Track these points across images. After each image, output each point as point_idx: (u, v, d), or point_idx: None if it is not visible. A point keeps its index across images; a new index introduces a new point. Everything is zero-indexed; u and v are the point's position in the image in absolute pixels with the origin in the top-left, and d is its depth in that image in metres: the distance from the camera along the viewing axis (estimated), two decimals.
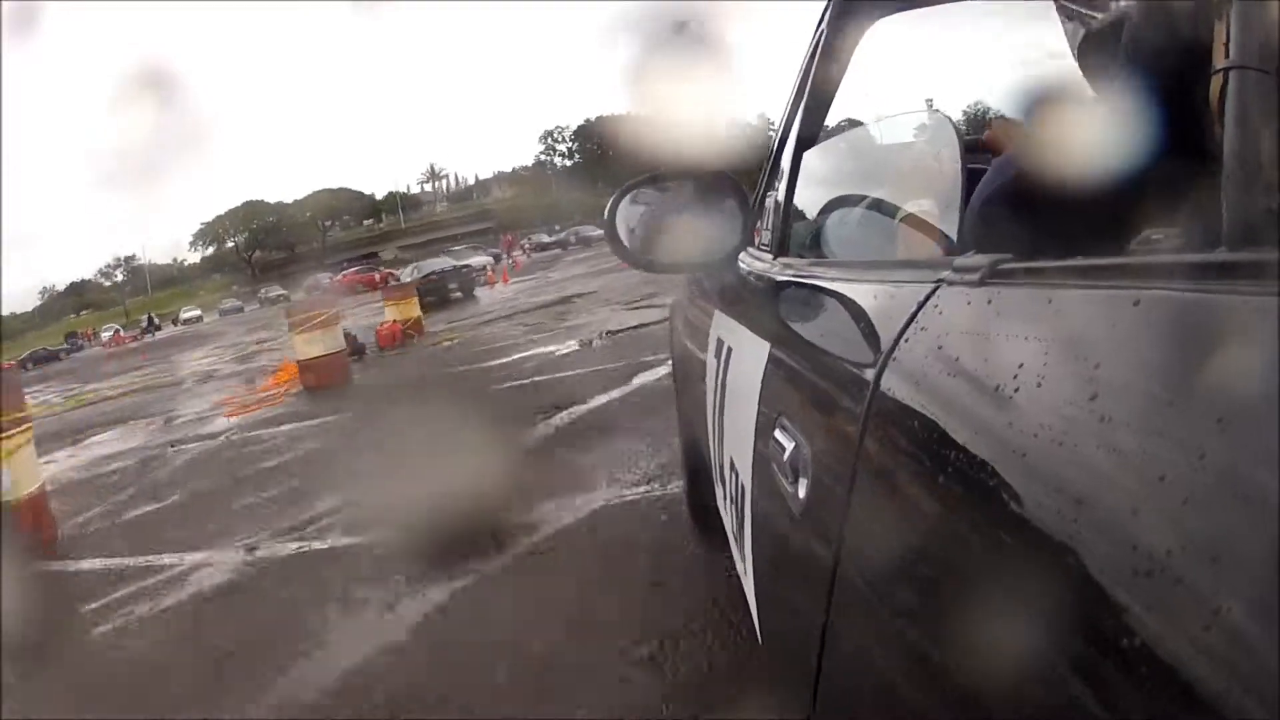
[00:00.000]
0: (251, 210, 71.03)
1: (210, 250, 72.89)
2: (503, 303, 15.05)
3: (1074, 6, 0.86)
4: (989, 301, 0.55)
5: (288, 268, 62.58)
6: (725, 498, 1.32)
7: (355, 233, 70.82)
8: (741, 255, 1.46)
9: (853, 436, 0.65)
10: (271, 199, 72.78)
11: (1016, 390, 0.45)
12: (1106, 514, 0.36)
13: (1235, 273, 0.36)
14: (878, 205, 1.11)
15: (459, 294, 18.63)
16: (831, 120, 1.38)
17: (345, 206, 72.11)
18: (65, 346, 45.72)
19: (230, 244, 71.54)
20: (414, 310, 11.50)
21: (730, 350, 1.30)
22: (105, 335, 45.32)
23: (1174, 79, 0.60)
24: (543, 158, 69.99)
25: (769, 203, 1.47)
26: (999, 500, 0.44)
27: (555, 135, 69.25)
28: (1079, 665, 0.35)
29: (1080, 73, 0.88)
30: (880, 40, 1.38)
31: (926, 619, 0.52)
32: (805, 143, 1.31)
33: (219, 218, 71.92)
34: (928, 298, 0.62)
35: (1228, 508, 0.30)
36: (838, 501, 0.67)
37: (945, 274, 0.62)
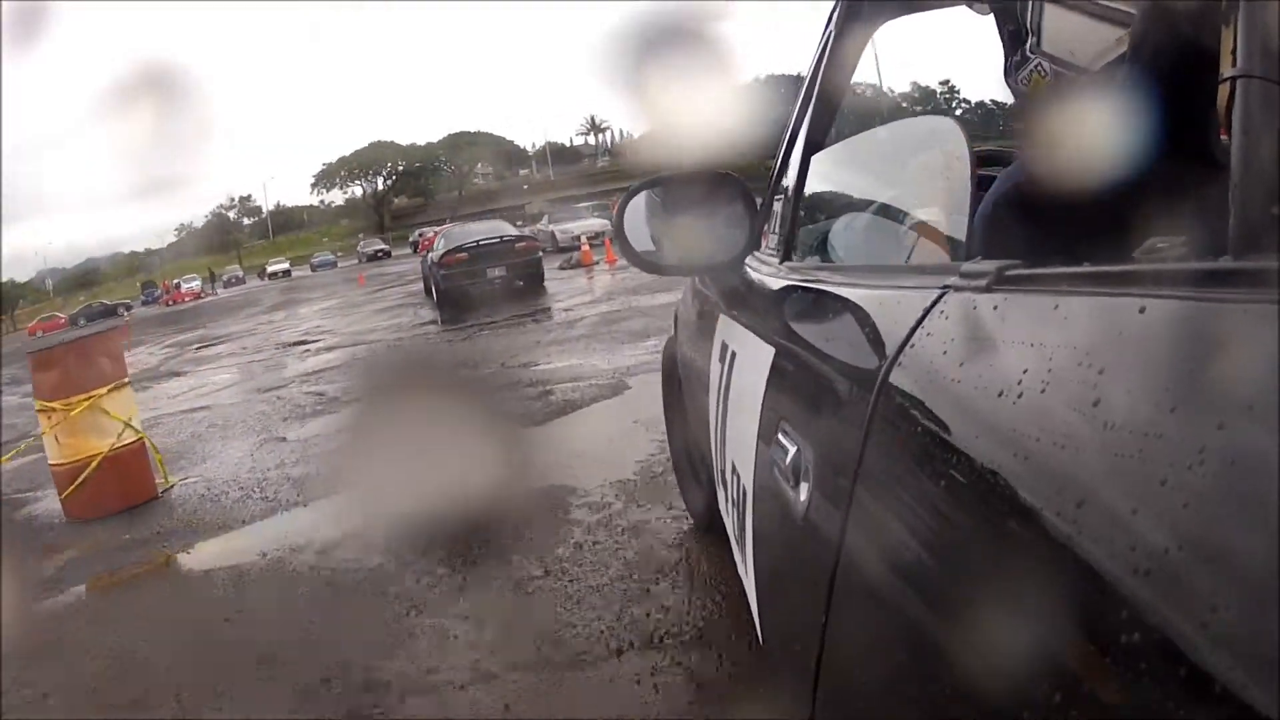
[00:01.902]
0: (378, 151, 65.46)
1: (331, 193, 67.77)
2: (537, 337, 7.10)
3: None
4: (995, 307, 0.55)
5: (420, 215, 57.46)
6: (727, 500, 1.32)
7: (506, 182, 64.35)
8: (748, 259, 1.47)
9: (856, 441, 0.65)
10: (404, 140, 67.27)
11: (1021, 396, 0.45)
12: (1109, 519, 0.36)
13: (1240, 280, 0.36)
14: (885, 210, 1.11)
15: (519, 284, 11.10)
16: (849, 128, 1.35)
17: (483, 152, 65.80)
18: (125, 302, 42.24)
19: (357, 187, 66.29)
20: (93, 441, 3.94)
21: (735, 354, 1.30)
22: (185, 287, 41.23)
23: (1181, 87, 0.60)
24: None
25: (776, 206, 1.48)
26: (1002, 505, 0.44)
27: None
28: (1079, 667, 0.36)
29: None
30: (887, 43, 1.38)
31: (926, 622, 0.52)
32: (813, 146, 1.31)
33: (342, 159, 66.47)
34: (934, 303, 0.62)
35: (1230, 513, 0.30)
36: (839, 505, 0.67)
37: (952, 279, 0.62)
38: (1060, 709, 0.36)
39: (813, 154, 1.31)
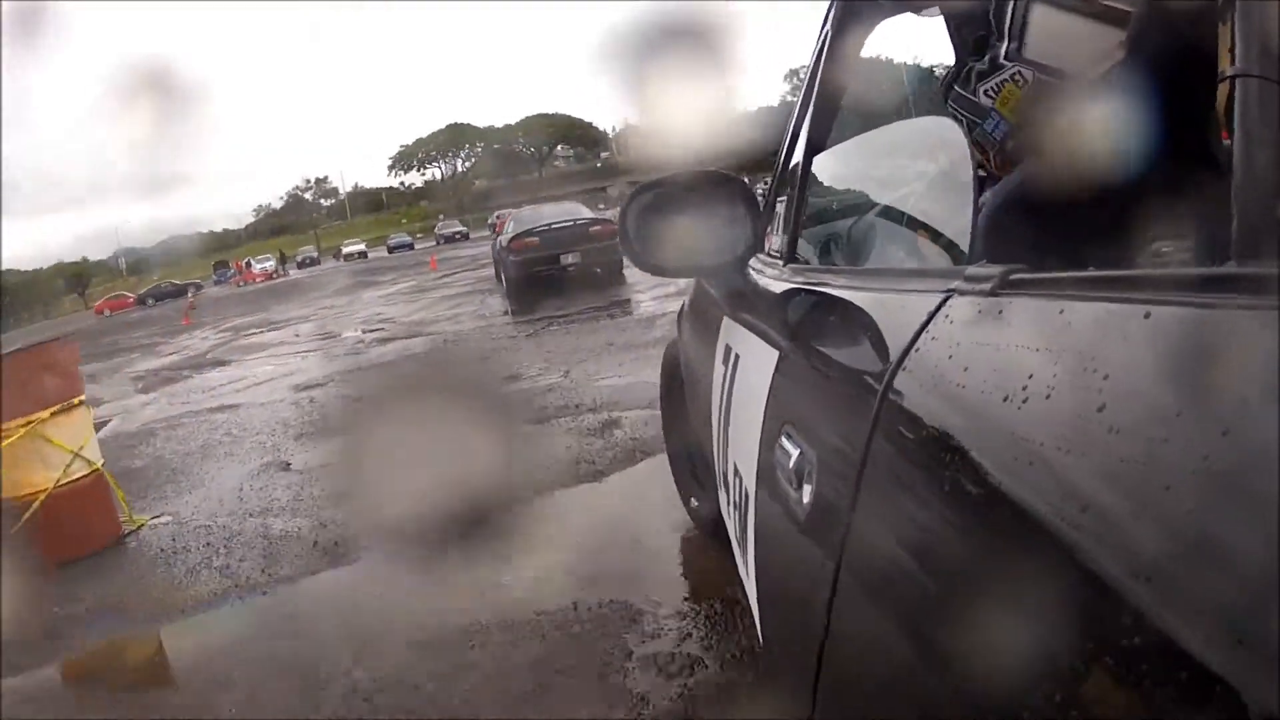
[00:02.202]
0: (456, 134, 65.38)
1: (409, 174, 67.66)
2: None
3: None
4: (1000, 312, 0.55)
5: (500, 198, 55.03)
6: (729, 504, 1.32)
7: (588, 164, 63.20)
8: (751, 261, 1.47)
9: (859, 445, 0.65)
10: (481, 123, 67.10)
11: (1026, 401, 0.45)
12: (1113, 524, 0.36)
13: (1244, 286, 0.36)
14: (889, 212, 1.11)
15: (596, 271, 9.87)
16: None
17: (563, 134, 64.84)
18: (195, 282, 41.53)
19: (435, 169, 66.19)
20: (37, 475, 3.28)
21: (738, 357, 1.30)
22: (257, 268, 39.55)
23: (1181, 87, 0.60)
24: (790, 98, 61.93)
25: (779, 208, 1.48)
26: (1006, 511, 0.44)
27: (802, 76, 61.67)
28: (1080, 672, 0.36)
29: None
30: (885, 40, 1.38)
31: (928, 629, 0.52)
32: (815, 147, 1.31)
33: (419, 140, 66.67)
34: (939, 307, 0.62)
35: (1236, 519, 0.30)
36: (842, 509, 0.67)
37: (957, 283, 0.61)
38: (1063, 713, 0.36)
39: (814, 154, 1.31)
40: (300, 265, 42.41)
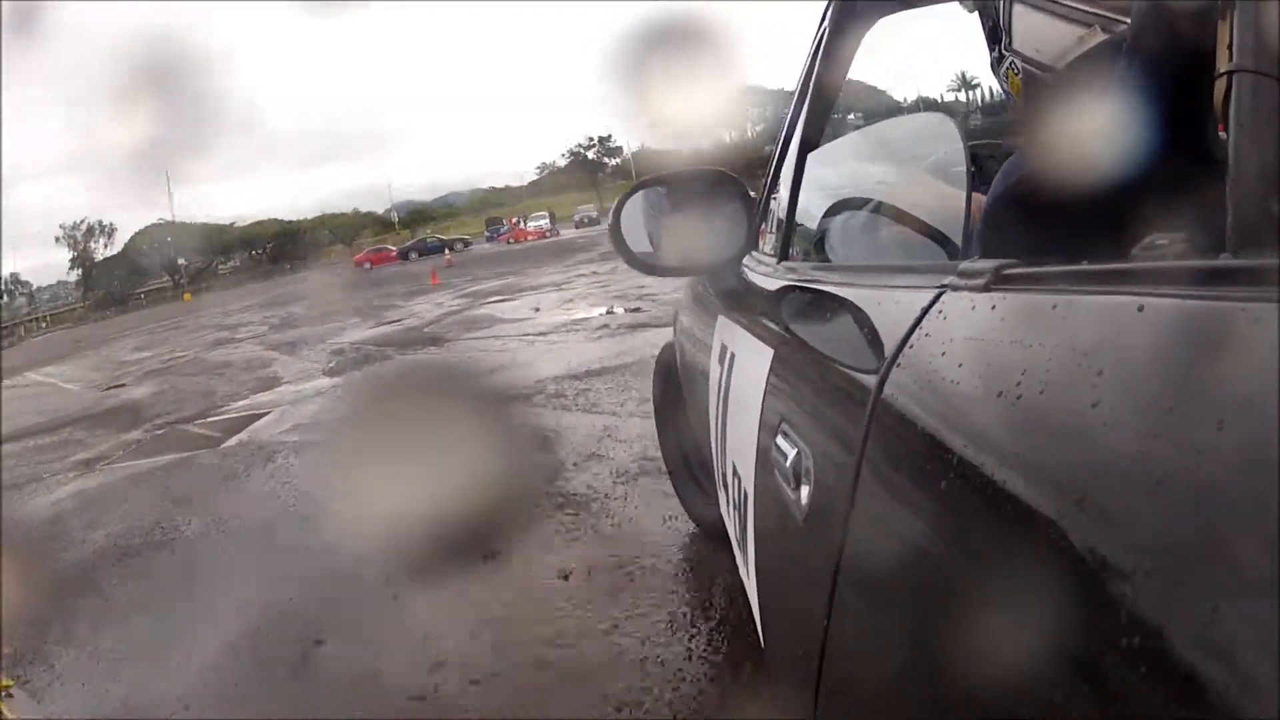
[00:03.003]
0: (746, 98, 61.91)
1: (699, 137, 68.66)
2: None
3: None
4: (993, 307, 0.55)
5: None
6: (728, 503, 1.32)
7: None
8: (745, 259, 1.46)
9: (856, 442, 0.64)
10: (772, 85, 63.16)
11: (1020, 396, 0.45)
12: (1108, 520, 0.36)
13: (1240, 278, 0.36)
14: (882, 209, 1.11)
15: None
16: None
17: (851, 99, 64.36)
18: (462, 238, 41.97)
19: (725, 134, 62.16)
20: None
21: (733, 355, 1.30)
22: (531, 225, 39.56)
23: (1178, 81, 0.60)
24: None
25: (773, 206, 1.48)
26: (1002, 507, 0.44)
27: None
28: (1080, 670, 0.35)
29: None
30: (882, 39, 1.39)
31: (928, 625, 0.51)
32: (809, 145, 1.31)
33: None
34: (932, 303, 0.62)
35: (1230, 513, 0.30)
36: (840, 507, 0.66)
37: (950, 279, 0.61)
38: (1062, 710, 0.36)
39: (808, 152, 1.31)
40: (578, 225, 41.10)
